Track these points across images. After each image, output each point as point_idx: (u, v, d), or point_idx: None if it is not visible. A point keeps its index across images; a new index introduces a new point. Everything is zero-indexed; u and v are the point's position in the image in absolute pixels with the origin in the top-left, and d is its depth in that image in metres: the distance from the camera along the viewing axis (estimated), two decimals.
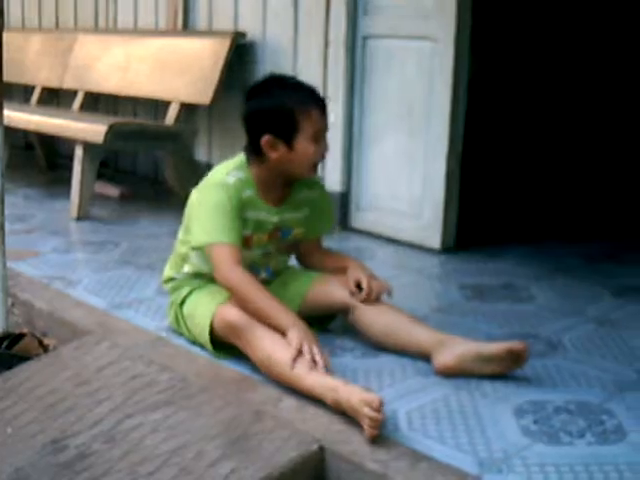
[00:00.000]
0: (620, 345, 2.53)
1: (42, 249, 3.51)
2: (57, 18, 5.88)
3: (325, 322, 2.59)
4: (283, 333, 2.17)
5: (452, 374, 2.23)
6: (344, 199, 3.91)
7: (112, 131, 3.92)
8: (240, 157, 2.44)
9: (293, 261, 2.69)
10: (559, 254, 3.62)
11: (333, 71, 3.89)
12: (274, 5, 4.20)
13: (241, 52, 4.33)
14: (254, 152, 2.38)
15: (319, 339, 2.20)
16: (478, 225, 4.00)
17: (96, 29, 5.45)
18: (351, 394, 1.94)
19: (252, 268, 2.39)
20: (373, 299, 2.41)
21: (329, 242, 2.71)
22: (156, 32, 4.93)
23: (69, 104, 5.25)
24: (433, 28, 3.49)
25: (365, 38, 3.78)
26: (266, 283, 2.41)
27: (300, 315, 2.29)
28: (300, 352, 2.09)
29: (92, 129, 3.98)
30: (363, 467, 1.80)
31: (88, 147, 4.03)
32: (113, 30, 5.30)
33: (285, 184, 2.46)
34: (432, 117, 3.54)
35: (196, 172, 4.41)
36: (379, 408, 1.86)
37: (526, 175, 4.81)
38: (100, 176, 4.39)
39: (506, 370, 2.22)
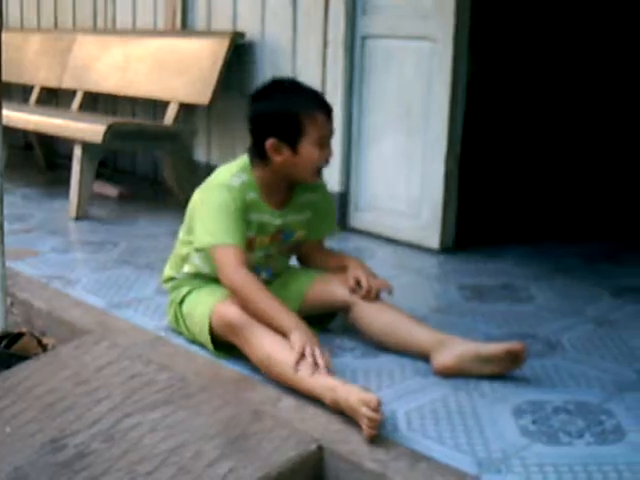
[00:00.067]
0: (619, 345, 2.53)
1: (41, 249, 3.50)
2: (56, 18, 5.88)
3: (325, 322, 2.59)
4: (285, 335, 2.17)
5: (451, 374, 2.23)
6: (343, 199, 3.91)
7: (111, 131, 3.91)
8: (243, 159, 2.44)
9: (293, 261, 2.69)
10: (558, 254, 3.62)
11: (332, 71, 3.89)
12: (273, 5, 4.21)
13: (240, 52, 4.33)
14: (258, 155, 2.38)
15: (320, 339, 2.20)
16: (477, 225, 4.00)
17: (95, 29, 5.45)
18: (350, 394, 1.94)
19: (253, 269, 2.39)
20: (373, 297, 2.42)
21: (328, 242, 2.71)
22: (155, 32, 4.92)
23: (68, 104, 5.24)
24: (432, 28, 3.49)
25: (364, 38, 3.79)
26: (266, 283, 2.40)
27: (300, 314, 2.29)
28: (302, 355, 2.09)
29: (91, 129, 3.98)
30: (362, 467, 1.80)
31: (87, 147, 4.03)
32: (112, 30, 5.30)
33: (288, 187, 2.46)
34: (431, 117, 3.54)
35: (195, 172, 4.42)
36: (377, 408, 1.86)
37: (525, 175, 4.82)
38: (99, 176, 4.39)
39: (505, 370, 2.22)
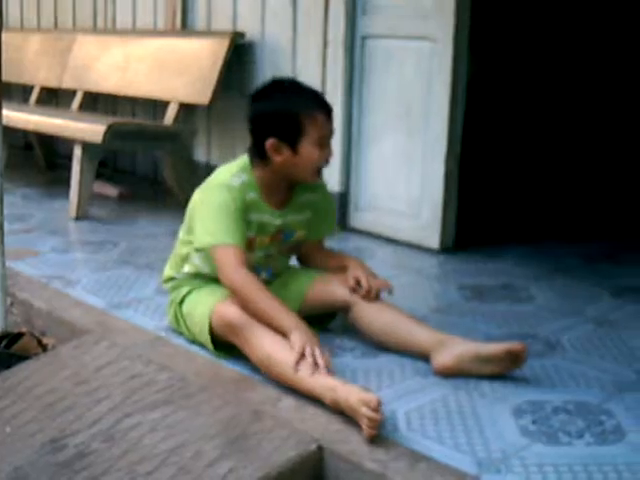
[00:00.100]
0: (619, 345, 2.53)
1: (41, 249, 3.51)
2: (56, 18, 5.88)
3: (325, 322, 2.59)
4: (285, 335, 2.17)
5: (451, 374, 2.23)
6: (343, 199, 3.91)
7: (111, 131, 3.92)
8: (243, 159, 2.44)
9: (293, 261, 2.69)
10: (558, 254, 3.62)
11: (332, 71, 3.89)
12: (273, 5, 4.21)
13: (240, 52, 4.33)
14: (258, 155, 2.38)
15: (320, 339, 2.20)
16: (477, 225, 4.00)
17: (95, 29, 5.45)
18: (349, 394, 1.94)
19: (253, 269, 2.39)
20: (373, 297, 2.42)
21: (328, 242, 2.71)
22: (155, 32, 4.93)
23: (68, 104, 5.25)
24: (432, 28, 3.49)
25: (364, 38, 3.79)
26: (266, 283, 2.40)
27: (300, 314, 2.29)
28: (302, 355, 2.09)
29: (91, 129, 3.98)
30: (362, 467, 1.80)
31: (87, 147, 4.03)
32: (112, 30, 5.30)
33: (288, 187, 2.46)
34: (431, 117, 3.54)
35: (195, 172, 4.42)
36: (377, 408, 1.86)
37: (525, 175, 4.82)
38: (99, 176, 4.39)
39: (505, 370, 2.22)
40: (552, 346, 2.50)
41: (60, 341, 2.59)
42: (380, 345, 2.42)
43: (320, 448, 1.87)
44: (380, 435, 1.89)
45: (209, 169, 2.50)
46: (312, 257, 2.64)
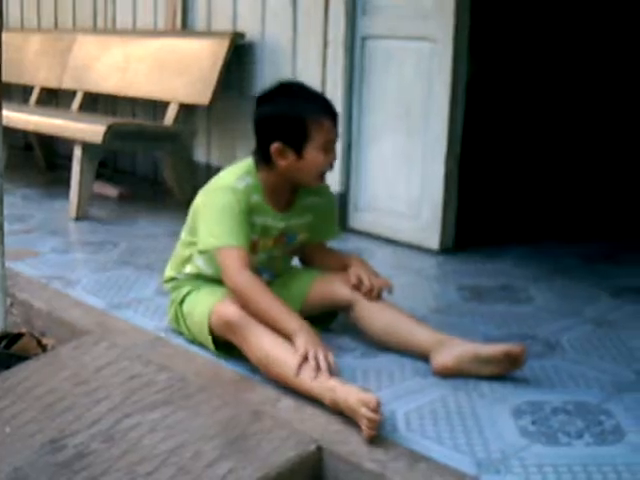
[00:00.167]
0: (618, 346, 2.53)
1: (41, 249, 3.51)
2: (56, 18, 5.88)
3: (327, 321, 2.59)
4: (288, 337, 2.17)
5: (450, 375, 2.23)
6: (342, 199, 3.91)
7: (111, 131, 3.92)
8: (248, 162, 2.43)
9: (294, 261, 2.69)
10: (557, 255, 3.62)
11: (332, 71, 3.89)
12: (273, 5, 4.21)
13: (240, 52, 4.33)
14: (263, 158, 2.38)
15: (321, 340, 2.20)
16: (476, 226, 4.01)
17: (95, 29, 5.45)
18: (349, 394, 1.94)
19: (256, 271, 2.39)
20: (375, 295, 2.42)
21: (329, 243, 2.71)
22: (155, 32, 4.93)
23: (68, 104, 5.25)
24: (432, 29, 3.49)
25: (364, 38, 3.79)
26: (267, 283, 2.40)
27: (302, 314, 2.29)
28: (305, 359, 2.09)
29: (91, 129, 3.98)
30: (361, 467, 1.80)
31: (87, 147, 4.03)
32: (112, 30, 5.30)
33: (292, 190, 2.46)
34: (430, 118, 3.54)
35: (195, 173, 4.43)
36: (376, 408, 1.87)
37: (524, 176, 4.82)
38: (99, 176, 4.39)
39: (504, 371, 2.22)
40: (551, 347, 2.50)
41: (60, 341, 2.59)
42: (381, 344, 2.42)
43: (319, 448, 1.87)
44: (379, 435, 1.89)
45: (209, 170, 2.51)
46: (314, 257, 2.64)
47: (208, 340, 2.36)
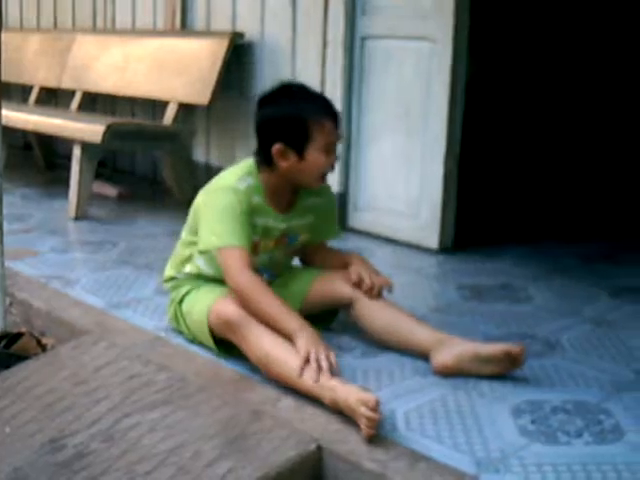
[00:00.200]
0: (617, 345, 2.53)
1: (40, 249, 3.51)
2: (55, 18, 5.88)
3: (328, 320, 2.59)
4: (289, 337, 2.17)
5: (450, 374, 2.24)
6: (342, 199, 3.90)
7: (110, 131, 3.92)
8: (249, 163, 2.43)
9: (295, 261, 2.69)
10: (557, 254, 3.62)
11: (331, 71, 3.89)
12: (272, 5, 4.21)
13: (239, 52, 4.33)
14: (264, 159, 2.38)
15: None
16: (476, 225, 4.01)
17: (94, 29, 5.45)
18: (348, 394, 1.94)
19: (257, 271, 2.39)
20: (375, 293, 2.42)
21: (329, 242, 2.71)
22: (154, 32, 4.92)
23: (67, 104, 5.24)
24: (431, 29, 3.49)
25: (363, 38, 3.79)
26: (268, 284, 2.41)
27: (302, 313, 2.29)
28: (307, 361, 2.09)
29: (90, 129, 3.98)
30: (361, 467, 1.80)
31: (86, 147, 4.03)
32: (111, 30, 5.30)
33: (293, 191, 2.46)
34: (430, 117, 3.54)
35: (194, 172, 4.42)
36: (376, 408, 1.87)
37: (524, 175, 4.82)
38: (98, 176, 4.39)
39: (504, 371, 2.23)
40: (551, 346, 2.51)
41: (59, 341, 2.59)
42: (381, 343, 2.42)
43: (319, 448, 1.87)
44: (379, 435, 1.89)
45: (208, 169, 2.51)
46: (314, 257, 2.64)
47: (208, 338, 2.36)
